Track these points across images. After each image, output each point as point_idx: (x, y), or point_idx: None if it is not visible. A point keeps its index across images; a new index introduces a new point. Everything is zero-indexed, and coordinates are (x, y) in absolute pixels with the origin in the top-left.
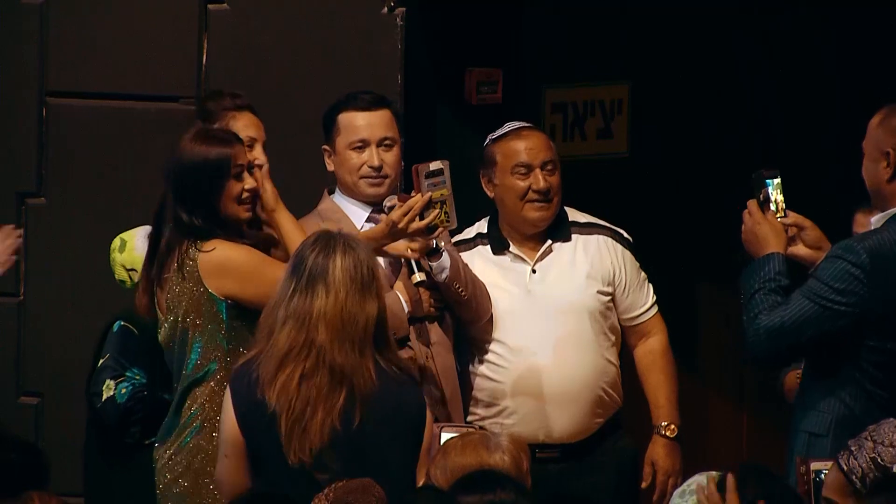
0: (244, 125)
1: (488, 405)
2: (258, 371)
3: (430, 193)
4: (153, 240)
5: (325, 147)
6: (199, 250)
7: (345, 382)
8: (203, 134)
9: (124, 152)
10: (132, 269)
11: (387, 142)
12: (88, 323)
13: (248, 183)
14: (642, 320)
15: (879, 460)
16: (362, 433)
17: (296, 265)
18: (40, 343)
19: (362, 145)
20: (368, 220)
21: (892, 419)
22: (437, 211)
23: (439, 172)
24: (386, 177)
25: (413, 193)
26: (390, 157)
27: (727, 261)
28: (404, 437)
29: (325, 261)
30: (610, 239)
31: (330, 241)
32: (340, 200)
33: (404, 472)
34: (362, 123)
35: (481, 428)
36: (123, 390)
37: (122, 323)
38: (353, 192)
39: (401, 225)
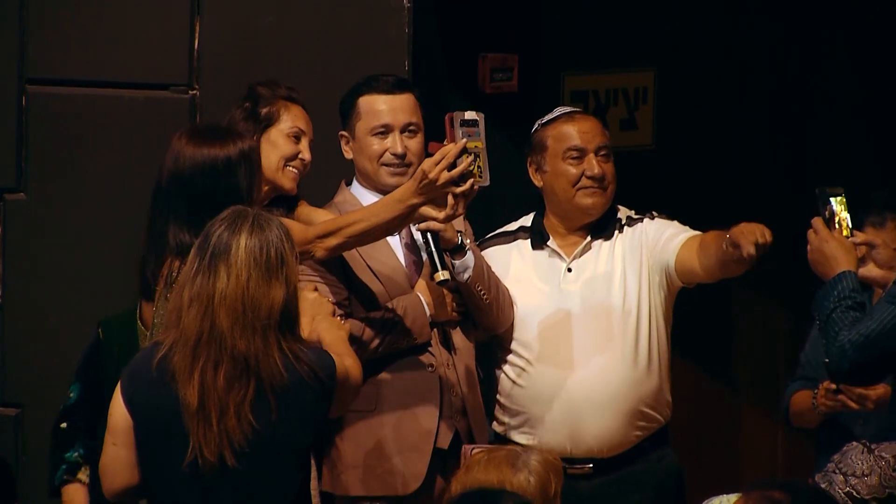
0: (294, 115)
1: (514, 413)
2: (170, 361)
3: (465, 140)
4: (152, 239)
5: (343, 133)
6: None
7: (251, 373)
8: (213, 130)
9: (110, 144)
10: None
11: (411, 128)
12: (72, 328)
13: (288, 183)
14: (686, 237)
15: (856, 494)
16: (274, 429)
17: (202, 241)
18: (20, 350)
19: (385, 131)
20: None
21: (853, 443)
22: (471, 159)
23: (474, 123)
24: (409, 165)
25: (446, 143)
26: (414, 144)
27: (761, 262)
28: (307, 433)
29: (229, 238)
30: (640, 224)
31: (238, 217)
32: (359, 191)
33: (300, 471)
34: (385, 108)
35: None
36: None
37: (99, 327)
38: (372, 182)
39: (432, 174)
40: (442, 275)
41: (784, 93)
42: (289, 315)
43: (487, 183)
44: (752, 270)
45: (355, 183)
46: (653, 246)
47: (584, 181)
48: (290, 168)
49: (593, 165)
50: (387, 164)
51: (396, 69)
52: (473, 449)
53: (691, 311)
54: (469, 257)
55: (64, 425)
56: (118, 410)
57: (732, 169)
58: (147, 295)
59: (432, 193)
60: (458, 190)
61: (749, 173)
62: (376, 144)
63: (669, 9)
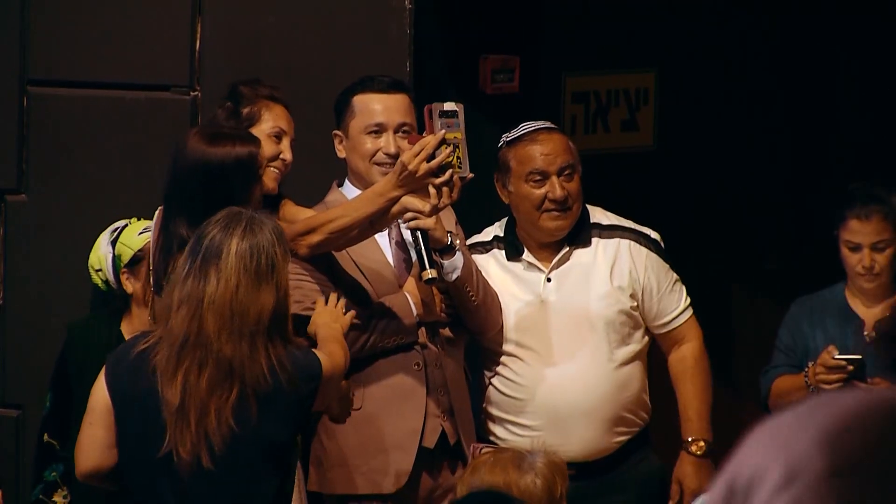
0: (276, 115)
1: (500, 420)
2: (153, 358)
3: (444, 131)
4: (164, 239)
5: (337, 132)
6: None
7: (235, 377)
8: (218, 132)
9: (112, 145)
10: (99, 270)
11: (405, 128)
12: None
13: (270, 183)
14: (674, 326)
15: None
16: (253, 433)
17: (195, 243)
18: (21, 351)
19: (378, 130)
20: None
21: None
22: (450, 150)
23: (454, 114)
24: None
25: (425, 134)
26: (407, 145)
27: (761, 262)
28: (286, 435)
29: (221, 242)
30: (633, 243)
31: (233, 220)
32: (351, 192)
33: (277, 473)
34: (379, 107)
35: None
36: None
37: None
38: (364, 182)
39: (411, 166)
40: (430, 273)
41: (786, 93)
42: (278, 320)
43: (468, 173)
44: (754, 270)
45: (347, 183)
46: (648, 292)
47: (547, 204)
48: (272, 168)
49: (556, 188)
50: (379, 164)
51: (397, 70)
52: (482, 448)
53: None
54: (458, 257)
55: (46, 437)
56: (99, 390)
57: (734, 170)
58: (159, 291)
59: (412, 185)
60: (438, 181)
61: (750, 174)
62: (369, 143)
63: (670, 9)
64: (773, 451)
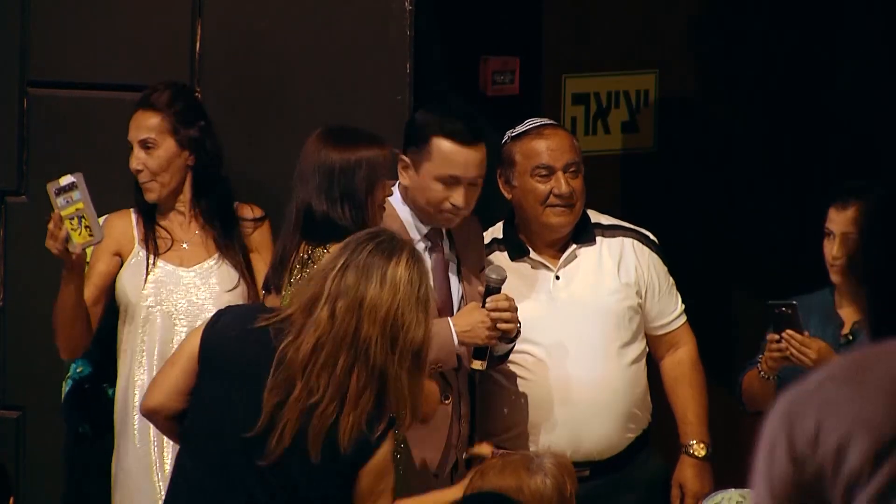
0: (130, 126)
1: (511, 421)
2: (277, 339)
3: (60, 211)
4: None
5: (404, 157)
6: (327, 251)
7: (379, 386)
8: (343, 133)
9: (112, 146)
10: None
11: (474, 181)
12: None
13: (147, 195)
14: (671, 329)
15: None
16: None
17: (353, 245)
18: (21, 352)
19: (452, 182)
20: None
21: None
22: (73, 223)
23: (71, 186)
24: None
25: (53, 214)
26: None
27: (762, 265)
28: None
29: (389, 251)
30: (636, 242)
31: (396, 242)
32: (399, 206)
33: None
34: (460, 160)
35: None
36: (65, 386)
37: None
38: (420, 215)
39: (55, 251)
40: (479, 364)
41: (786, 95)
42: (419, 356)
43: (100, 238)
44: (754, 271)
45: (398, 194)
46: (651, 290)
47: (552, 199)
48: (143, 183)
49: (561, 184)
50: (443, 211)
51: (398, 72)
52: (501, 454)
53: (691, 311)
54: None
55: (86, 386)
56: (194, 338)
57: (734, 172)
58: (277, 289)
59: (72, 265)
60: (75, 256)
61: (750, 176)
62: (440, 193)
63: (671, 10)
64: (844, 418)
